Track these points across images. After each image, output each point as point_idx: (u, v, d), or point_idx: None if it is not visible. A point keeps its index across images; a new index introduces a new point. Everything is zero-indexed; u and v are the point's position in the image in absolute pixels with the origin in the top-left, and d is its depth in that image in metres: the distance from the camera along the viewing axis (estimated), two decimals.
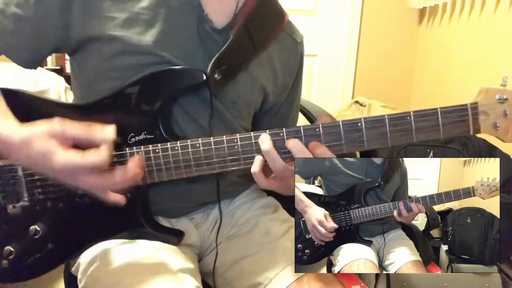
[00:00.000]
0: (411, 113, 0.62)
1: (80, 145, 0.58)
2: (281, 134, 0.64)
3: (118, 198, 0.61)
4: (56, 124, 0.57)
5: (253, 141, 0.65)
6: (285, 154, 0.64)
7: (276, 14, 0.82)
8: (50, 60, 2.51)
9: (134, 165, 0.60)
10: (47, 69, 2.15)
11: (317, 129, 0.64)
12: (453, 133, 0.63)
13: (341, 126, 0.64)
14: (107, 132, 0.58)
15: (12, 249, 0.69)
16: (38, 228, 0.69)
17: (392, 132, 0.63)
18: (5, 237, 0.70)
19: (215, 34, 0.74)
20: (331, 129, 0.64)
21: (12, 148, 0.57)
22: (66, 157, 0.55)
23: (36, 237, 0.69)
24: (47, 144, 0.56)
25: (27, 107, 0.71)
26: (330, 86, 2.73)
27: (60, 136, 0.57)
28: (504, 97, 0.61)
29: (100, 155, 0.56)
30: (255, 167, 0.64)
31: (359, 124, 0.63)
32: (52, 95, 1.76)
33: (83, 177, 0.57)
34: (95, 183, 0.58)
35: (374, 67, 2.67)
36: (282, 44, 0.83)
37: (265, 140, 0.63)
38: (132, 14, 0.70)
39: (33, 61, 0.74)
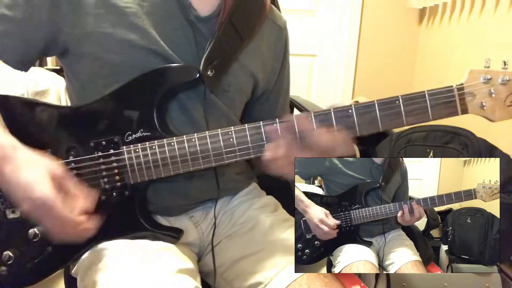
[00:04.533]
0: (400, 97, 0.64)
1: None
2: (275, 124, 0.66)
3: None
4: (60, 169, 0.61)
5: (248, 133, 0.67)
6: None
7: (257, 3, 0.83)
8: (50, 60, 2.51)
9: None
10: (47, 69, 2.15)
11: (309, 118, 0.65)
12: (442, 114, 0.64)
13: (332, 113, 0.65)
14: (91, 202, 0.63)
15: (11, 254, 0.69)
16: (37, 231, 0.69)
17: (382, 116, 0.65)
18: (3, 243, 0.69)
19: (199, 24, 0.75)
20: (322, 117, 0.65)
21: (9, 160, 0.59)
22: (51, 194, 0.58)
23: (35, 240, 0.69)
24: (42, 174, 0.59)
25: (23, 112, 0.71)
26: (330, 86, 2.73)
27: (58, 179, 0.60)
28: (488, 77, 0.64)
29: (79, 219, 0.60)
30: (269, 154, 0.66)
31: (350, 111, 0.65)
32: (52, 95, 1.76)
33: (47, 221, 0.59)
34: (53, 232, 0.60)
35: (374, 67, 2.66)
36: (267, 30, 0.84)
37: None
38: (118, 9, 0.70)
39: (23, 63, 0.74)
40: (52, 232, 0.61)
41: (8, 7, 0.68)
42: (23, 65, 0.74)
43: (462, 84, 0.64)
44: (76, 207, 0.61)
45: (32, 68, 0.76)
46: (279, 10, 1.14)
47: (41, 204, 0.58)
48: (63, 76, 0.80)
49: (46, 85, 1.74)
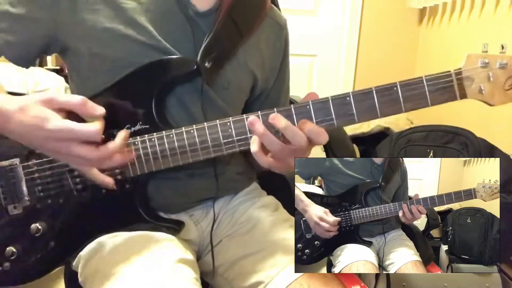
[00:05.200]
0: (397, 83, 0.63)
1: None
2: (273, 114, 0.64)
3: (107, 180, 0.63)
4: (51, 93, 0.59)
5: (246, 123, 0.66)
6: (278, 133, 0.64)
7: (258, 0, 0.83)
8: (50, 60, 2.51)
9: (122, 140, 0.63)
10: (47, 69, 2.15)
11: (308, 106, 0.65)
12: (441, 100, 0.64)
13: (330, 101, 0.65)
14: (99, 108, 0.61)
15: (14, 249, 0.69)
16: (39, 226, 0.69)
17: (381, 103, 0.64)
18: (6, 238, 0.69)
19: (198, 19, 0.75)
20: (321, 105, 0.65)
21: (7, 115, 0.59)
22: (62, 121, 0.57)
23: (37, 235, 0.69)
24: (43, 110, 0.58)
25: None
26: (330, 86, 2.73)
27: (55, 104, 0.58)
28: (486, 61, 0.63)
29: (95, 126, 0.58)
30: (254, 147, 0.64)
31: (348, 98, 0.64)
32: None
33: (75, 146, 0.58)
34: (86, 155, 0.59)
35: (374, 67, 2.67)
36: (267, 29, 0.84)
37: (257, 124, 0.63)
38: (117, 5, 0.71)
39: (25, 59, 0.74)
40: (85, 157, 0.60)
41: (11, 4, 0.69)
42: (24, 62, 0.75)
43: (460, 68, 0.63)
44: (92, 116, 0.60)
45: (32, 68, 0.77)
46: (279, 10, 1.14)
47: (60, 133, 0.57)
48: (63, 76, 0.81)
49: (46, 85, 1.74)
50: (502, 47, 0.63)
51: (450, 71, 0.63)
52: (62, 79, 1.97)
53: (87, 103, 0.59)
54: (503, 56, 0.63)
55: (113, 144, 0.61)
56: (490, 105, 0.64)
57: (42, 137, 0.58)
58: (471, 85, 0.63)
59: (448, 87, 0.63)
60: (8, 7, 0.69)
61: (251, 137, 0.66)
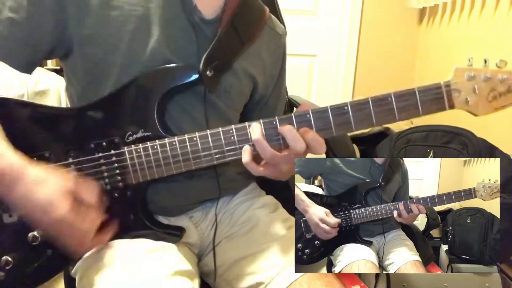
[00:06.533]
0: (392, 94, 0.68)
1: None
2: (274, 122, 0.68)
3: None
4: (71, 181, 0.62)
5: (248, 130, 0.68)
6: (278, 141, 0.68)
7: (258, 9, 0.85)
8: (50, 60, 2.51)
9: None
10: (47, 69, 2.15)
11: (308, 115, 0.67)
12: (431, 110, 0.68)
13: (329, 111, 0.68)
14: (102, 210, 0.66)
15: (9, 259, 0.67)
16: (36, 235, 0.68)
17: (376, 113, 0.68)
18: (1, 248, 0.68)
19: (203, 26, 0.75)
20: (320, 114, 0.68)
21: (20, 181, 0.59)
22: (67, 214, 0.60)
23: (34, 244, 0.68)
24: (58, 191, 0.60)
25: (20, 115, 0.70)
26: (330, 86, 2.73)
27: (71, 193, 0.61)
28: (472, 75, 0.67)
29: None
30: (245, 157, 0.68)
31: (346, 108, 0.68)
32: (52, 95, 1.75)
33: (66, 237, 0.63)
34: (71, 245, 0.64)
35: (374, 67, 2.67)
36: (267, 37, 0.86)
37: (255, 130, 0.67)
38: (124, 11, 0.71)
39: (28, 65, 0.73)
40: (69, 246, 0.63)
41: (13, 10, 0.67)
42: (28, 68, 0.73)
43: (449, 81, 0.68)
44: (93, 219, 0.64)
45: None
46: (279, 10, 1.14)
47: (60, 223, 0.60)
48: (63, 76, 0.80)
49: (46, 85, 1.74)
50: (485, 62, 0.68)
51: (440, 83, 0.68)
52: (62, 79, 1.96)
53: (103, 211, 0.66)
54: (487, 70, 0.67)
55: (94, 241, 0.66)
56: (475, 115, 0.69)
57: (43, 221, 0.61)
58: (459, 96, 0.68)
59: (438, 98, 0.67)
60: (9, 14, 0.67)
61: (253, 144, 0.67)
